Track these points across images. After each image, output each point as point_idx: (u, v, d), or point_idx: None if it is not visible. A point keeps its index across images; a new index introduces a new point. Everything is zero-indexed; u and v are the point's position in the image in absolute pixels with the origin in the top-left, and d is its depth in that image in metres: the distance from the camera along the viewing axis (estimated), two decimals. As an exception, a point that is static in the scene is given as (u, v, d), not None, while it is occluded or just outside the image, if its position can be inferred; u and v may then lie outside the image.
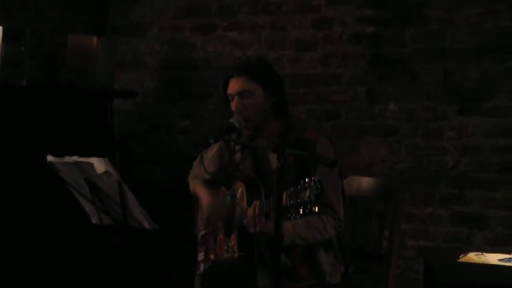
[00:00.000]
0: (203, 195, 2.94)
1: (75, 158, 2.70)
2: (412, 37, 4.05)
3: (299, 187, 2.36)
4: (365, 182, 3.15)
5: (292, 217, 2.39)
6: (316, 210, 2.33)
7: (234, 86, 2.78)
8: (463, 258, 2.72)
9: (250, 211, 2.63)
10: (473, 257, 2.75)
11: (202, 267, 2.92)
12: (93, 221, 2.83)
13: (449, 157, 3.97)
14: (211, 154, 2.95)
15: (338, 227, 2.75)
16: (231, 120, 2.76)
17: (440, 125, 3.99)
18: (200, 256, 2.94)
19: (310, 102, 4.22)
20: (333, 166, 2.44)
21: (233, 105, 2.79)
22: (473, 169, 3.93)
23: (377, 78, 4.11)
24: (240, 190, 2.83)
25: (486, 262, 2.68)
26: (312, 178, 2.33)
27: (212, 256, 2.88)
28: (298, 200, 2.34)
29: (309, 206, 2.33)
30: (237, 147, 2.90)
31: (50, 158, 2.75)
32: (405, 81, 4.06)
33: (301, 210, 2.35)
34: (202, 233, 2.97)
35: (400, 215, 2.98)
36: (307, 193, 2.32)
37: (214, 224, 2.92)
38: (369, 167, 4.09)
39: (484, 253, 2.78)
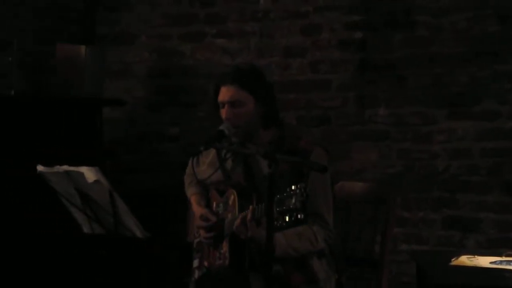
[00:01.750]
0: (196, 209, 2.94)
1: (65, 167, 2.68)
2: (400, 42, 4.07)
3: (285, 194, 2.35)
4: (357, 187, 3.15)
5: (278, 225, 2.38)
6: (302, 217, 2.33)
7: (225, 94, 2.77)
8: (455, 262, 2.73)
9: (241, 217, 2.63)
10: (465, 260, 2.75)
11: (196, 274, 2.90)
12: (85, 230, 2.81)
13: (439, 161, 3.99)
14: (207, 160, 2.94)
15: (328, 239, 2.75)
16: (221, 127, 2.75)
17: (430, 129, 4.01)
18: (195, 263, 2.93)
19: (300, 108, 4.23)
20: (323, 171, 2.43)
21: (223, 113, 2.79)
22: (464, 173, 3.95)
23: (366, 84, 4.13)
24: (232, 197, 2.82)
25: (478, 265, 2.69)
26: (298, 186, 2.33)
27: (206, 263, 2.87)
28: (284, 207, 2.34)
29: (295, 214, 2.32)
30: (228, 155, 2.89)
31: (40, 168, 2.73)
32: (394, 86, 4.08)
33: (287, 217, 2.34)
34: (197, 240, 2.96)
35: (392, 219, 2.97)
36: (293, 200, 2.31)
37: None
38: (360, 172, 4.10)
39: (476, 256, 2.79)
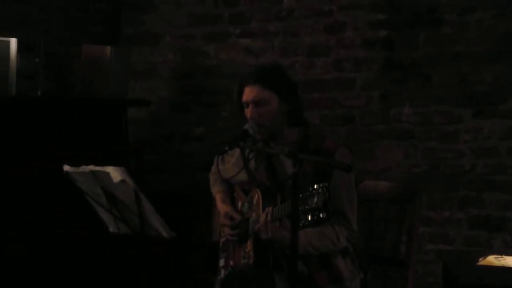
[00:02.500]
0: (220, 207, 2.94)
1: (91, 167, 2.70)
2: (425, 40, 4.04)
3: (307, 193, 2.35)
4: (382, 186, 3.14)
5: (301, 224, 2.38)
6: (324, 216, 2.32)
7: (249, 94, 2.77)
8: (483, 262, 2.71)
9: (262, 218, 2.63)
10: (492, 260, 2.73)
11: (222, 273, 2.91)
12: (111, 230, 2.83)
13: (465, 160, 3.96)
14: (232, 160, 2.95)
15: (351, 238, 2.74)
16: (245, 126, 2.75)
17: (455, 128, 3.98)
18: (221, 263, 2.94)
19: (324, 107, 4.22)
20: (348, 170, 2.43)
21: (247, 113, 2.79)
22: (490, 172, 3.91)
23: (391, 82, 4.10)
24: (256, 196, 2.82)
25: (506, 265, 2.66)
26: (321, 185, 2.32)
27: (231, 263, 2.88)
28: (306, 207, 2.33)
29: (317, 213, 2.32)
30: (252, 155, 2.89)
31: (66, 167, 2.76)
32: (419, 85, 4.05)
33: (309, 216, 2.34)
34: (223, 239, 2.97)
35: (418, 219, 2.96)
36: (315, 199, 2.32)
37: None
38: (385, 171, 4.08)
39: (503, 256, 2.77)
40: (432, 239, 3.99)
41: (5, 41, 3.67)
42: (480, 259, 2.73)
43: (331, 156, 2.69)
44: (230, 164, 2.93)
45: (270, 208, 2.64)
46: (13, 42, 3.67)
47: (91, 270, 3.60)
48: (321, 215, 2.31)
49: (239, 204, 2.94)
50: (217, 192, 3.01)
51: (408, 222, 2.96)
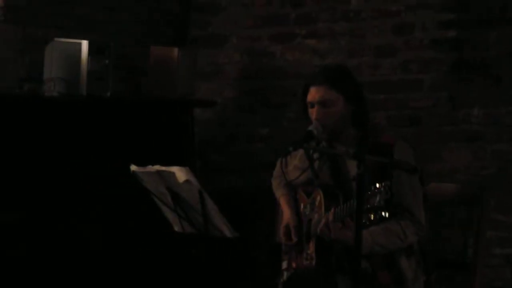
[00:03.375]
0: (285, 212, 2.95)
1: (157, 167, 2.76)
2: (496, 40, 3.95)
3: (369, 192, 2.35)
4: (448, 188, 3.10)
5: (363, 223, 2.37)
6: (386, 216, 2.31)
7: (314, 94, 2.79)
8: (553, 268, 2.63)
9: (324, 218, 2.63)
10: None
11: (285, 275, 2.92)
12: (176, 229, 2.88)
13: (537, 162, 3.85)
14: (295, 161, 2.96)
15: (419, 232, 2.70)
16: (310, 127, 2.77)
17: (526, 130, 3.88)
18: (284, 265, 2.95)
19: (390, 109, 4.17)
20: (414, 172, 2.41)
21: (312, 113, 2.80)
22: None
23: (460, 83, 4.02)
24: (318, 197, 2.83)
25: None
26: (383, 184, 2.32)
27: (294, 265, 2.89)
28: (368, 206, 2.33)
29: (379, 212, 2.32)
30: (316, 155, 2.89)
31: (133, 167, 2.82)
32: (489, 86, 3.96)
33: (372, 216, 2.33)
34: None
35: (485, 222, 2.91)
36: (377, 198, 2.32)
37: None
38: (452, 173, 4.00)
39: None
40: (501, 243, 3.89)
41: (77, 43, 3.77)
42: (550, 265, 2.65)
43: (390, 150, 2.68)
44: (292, 166, 2.94)
45: (333, 208, 2.65)
46: (85, 44, 3.77)
47: (156, 269, 3.66)
48: (383, 214, 2.31)
49: (301, 206, 2.94)
50: (281, 195, 3.02)
51: (475, 225, 2.91)
